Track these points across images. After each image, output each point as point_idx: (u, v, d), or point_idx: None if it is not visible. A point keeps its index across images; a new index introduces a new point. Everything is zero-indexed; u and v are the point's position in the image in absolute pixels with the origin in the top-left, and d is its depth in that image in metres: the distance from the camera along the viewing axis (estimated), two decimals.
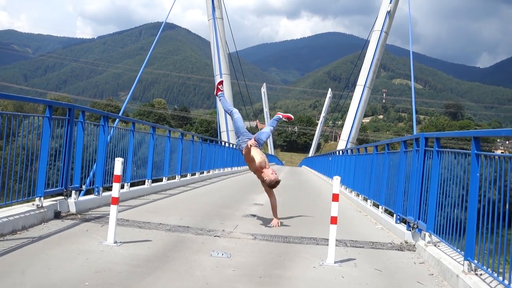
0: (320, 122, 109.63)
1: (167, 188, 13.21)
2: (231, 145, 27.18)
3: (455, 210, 5.99)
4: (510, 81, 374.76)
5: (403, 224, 8.61)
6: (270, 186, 8.62)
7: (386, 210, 10.20)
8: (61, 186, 7.48)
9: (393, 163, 9.61)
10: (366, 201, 12.02)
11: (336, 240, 7.35)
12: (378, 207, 10.65)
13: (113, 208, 6.06)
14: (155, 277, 4.86)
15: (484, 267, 4.84)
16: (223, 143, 26.18)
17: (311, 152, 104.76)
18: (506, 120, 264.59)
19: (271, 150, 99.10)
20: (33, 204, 6.78)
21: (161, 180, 13.14)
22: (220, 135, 45.46)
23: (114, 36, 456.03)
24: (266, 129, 9.29)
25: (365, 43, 48.15)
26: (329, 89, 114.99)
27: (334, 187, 6.16)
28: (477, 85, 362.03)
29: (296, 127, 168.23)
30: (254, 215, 9.84)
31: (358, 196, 13.45)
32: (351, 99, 63.86)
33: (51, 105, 6.95)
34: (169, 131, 14.01)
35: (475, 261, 5.05)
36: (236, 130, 9.17)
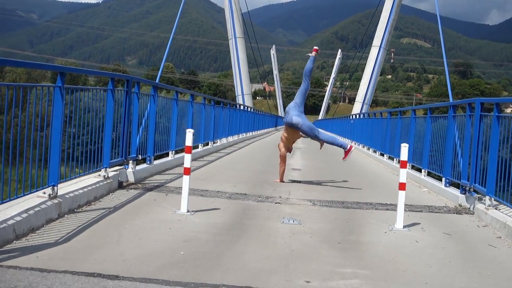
0: (330, 83, 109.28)
1: (203, 155, 13.37)
2: (248, 109, 27.28)
3: None
4: None
5: (453, 187, 8.75)
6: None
7: (429, 173, 10.35)
8: (121, 157, 7.63)
9: (439, 127, 9.69)
10: None
11: (391, 204, 7.56)
12: (420, 171, 10.77)
13: (185, 178, 6.23)
14: (241, 245, 5.03)
15: None
16: (243, 107, 26.21)
17: (321, 114, 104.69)
18: None
19: (281, 112, 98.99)
20: (99, 175, 6.94)
21: (196, 147, 13.27)
22: (237, 98, 45.50)
23: (119, 0, 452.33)
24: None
25: (379, 2, 47.65)
26: (339, 50, 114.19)
27: (402, 154, 6.29)
28: (486, 43, 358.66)
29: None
30: (299, 181, 10.02)
31: (393, 160, 13.57)
32: (359, 60, 63.63)
33: (113, 78, 7.06)
34: (204, 98, 14.12)
35: None
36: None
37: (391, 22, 42.85)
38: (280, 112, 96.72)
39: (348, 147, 9.72)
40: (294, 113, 9.46)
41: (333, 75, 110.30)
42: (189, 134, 6.26)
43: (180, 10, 24.32)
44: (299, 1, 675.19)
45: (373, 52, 43.89)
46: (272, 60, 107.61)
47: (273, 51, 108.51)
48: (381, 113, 16.80)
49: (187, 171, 6.23)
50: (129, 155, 7.94)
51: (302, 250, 4.98)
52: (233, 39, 44.13)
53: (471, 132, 7.69)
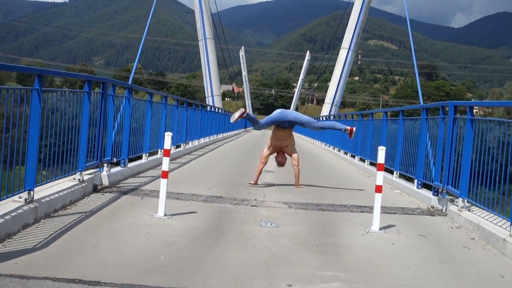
0: (298, 85, 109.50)
1: (175, 157, 13.31)
2: (218, 110, 27.24)
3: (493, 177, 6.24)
4: (483, 41, 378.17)
5: (425, 189, 8.88)
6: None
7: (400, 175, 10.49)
8: (96, 160, 7.56)
9: (411, 130, 9.83)
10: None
11: (366, 206, 7.65)
12: (391, 173, 10.89)
13: (163, 182, 6.21)
14: (221, 248, 5.03)
15: None
16: (214, 109, 26.16)
17: None
18: (480, 79, 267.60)
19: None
20: (75, 179, 6.87)
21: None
22: (206, 100, 45.40)
23: (87, 0, 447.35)
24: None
25: (347, 4, 48.09)
26: (308, 52, 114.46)
27: (379, 157, 6.36)
28: (451, 45, 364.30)
29: (273, 90, 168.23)
30: (272, 184, 10.03)
31: (364, 161, 13.71)
32: (327, 62, 64.02)
33: (89, 80, 6.99)
34: (177, 100, 14.08)
35: None
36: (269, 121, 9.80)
37: (359, 24, 43.24)
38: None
39: (349, 129, 9.75)
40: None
41: (301, 76, 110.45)
42: (168, 137, 6.25)
43: (152, 10, 24.13)
44: (268, 3, 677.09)
45: (342, 54, 44.22)
46: (241, 61, 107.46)
47: (242, 52, 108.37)
48: (352, 115, 16.93)
49: (165, 175, 6.21)
50: (103, 157, 7.87)
51: (282, 254, 5.00)
52: (203, 40, 44.08)
53: (444, 134, 7.81)
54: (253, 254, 4.94)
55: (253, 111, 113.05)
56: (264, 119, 9.74)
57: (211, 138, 21.69)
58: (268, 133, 40.14)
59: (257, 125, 9.73)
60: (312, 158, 17.10)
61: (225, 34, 50.32)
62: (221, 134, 25.55)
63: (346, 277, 4.43)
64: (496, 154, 6.12)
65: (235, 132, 34.49)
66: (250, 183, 9.55)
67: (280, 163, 9.96)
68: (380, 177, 6.31)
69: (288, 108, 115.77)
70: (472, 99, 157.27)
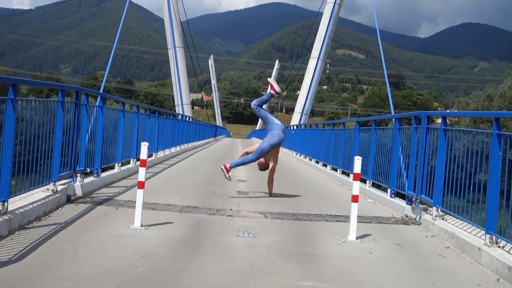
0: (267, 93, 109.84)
1: (148, 166, 13.18)
2: (189, 119, 27.15)
3: (466, 187, 6.34)
4: (449, 51, 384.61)
5: (398, 198, 8.97)
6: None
7: (373, 184, 10.58)
8: (70, 170, 7.46)
9: (383, 140, 9.93)
10: (349, 175, 12.36)
11: (341, 215, 7.70)
12: (364, 182, 10.97)
13: (139, 193, 6.15)
14: (200, 259, 5.01)
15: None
16: (184, 117, 26.05)
17: (259, 125, 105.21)
18: (446, 89, 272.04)
19: (219, 122, 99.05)
20: (48, 189, 6.77)
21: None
22: (176, 108, 45.21)
23: (53, 7, 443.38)
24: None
25: (317, 14, 48.47)
26: (277, 61, 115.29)
27: (355, 168, 6.41)
28: (417, 55, 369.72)
29: (242, 99, 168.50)
30: (246, 192, 10.03)
31: (336, 170, 13.78)
32: (296, 71, 64.42)
33: (63, 90, 6.91)
34: (148, 109, 13.99)
35: (497, 234, 5.39)
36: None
37: (328, 34, 43.58)
38: (219, 122, 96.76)
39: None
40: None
41: None
42: (144, 147, 6.20)
43: (123, 17, 23.91)
44: (236, 12, 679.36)
45: (311, 63, 44.47)
46: (210, 70, 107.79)
47: (211, 61, 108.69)
48: (323, 124, 17.03)
49: (141, 185, 6.16)
50: (77, 167, 7.77)
51: (261, 264, 5.00)
52: (173, 49, 43.94)
53: (417, 144, 7.91)
54: (232, 264, 4.93)
55: (222, 120, 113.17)
56: (264, 146, 9.53)
57: (182, 147, 21.60)
58: (236, 141, 40.21)
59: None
60: (284, 167, 17.09)
61: (194, 42, 50.21)
62: (191, 143, 25.46)
63: (326, 286, 4.45)
64: (469, 164, 6.21)
65: (206, 141, 34.42)
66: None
67: (264, 166, 9.96)
68: (357, 187, 6.36)
69: (257, 117, 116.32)
70: (439, 108, 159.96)
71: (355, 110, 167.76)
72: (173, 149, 18.57)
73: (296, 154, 22.60)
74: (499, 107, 39.06)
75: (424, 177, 7.50)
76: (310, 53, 45.73)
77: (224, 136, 62.94)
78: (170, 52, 44.92)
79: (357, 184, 6.34)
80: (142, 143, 6.23)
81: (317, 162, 16.96)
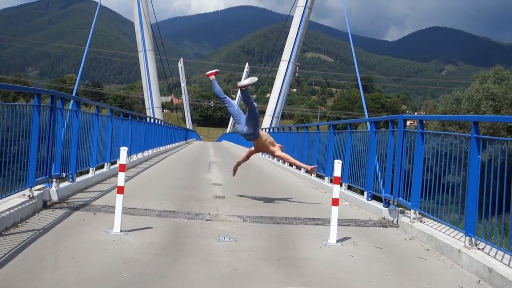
0: (237, 96, 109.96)
1: None
2: (160, 122, 26.93)
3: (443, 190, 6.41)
4: (416, 54, 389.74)
5: (375, 201, 9.03)
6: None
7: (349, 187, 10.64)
8: (45, 175, 7.35)
9: (359, 143, 9.99)
10: (323, 178, 12.40)
11: (319, 218, 7.72)
12: (340, 185, 11.02)
13: (119, 198, 6.08)
14: (183, 264, 4.97)
15: (489, 242, 5.26)
16: (156, 121, 25.84)
17: (229, 127, 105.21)
18: (414, 92, 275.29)
19: (189, 125, 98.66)
20: (24, 195, 6.65)
21: (114, 162, 12.97)
22: (147, 111, 44.88)
23: (20, 9, 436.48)
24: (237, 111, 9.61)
25: (287, 17, 48.68)
26: (246, 63, 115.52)
27: (335, 170, 6.43)
28: (385, 58, 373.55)
29: (212, 102, 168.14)
30: (223, 196, 9.98)
31: (311, 174, 13.82)
32: (266, 74, 64.71)
33: (39, 93, 6.80)
34: (122, 113, 13.85)
35: (476, 237, 5.47)
36: (236, 117, 9.54)
37: (299, 37, 43.77)
38: (189, 125, 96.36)
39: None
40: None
41: None
42: (123, 152, 6.14)
43: (94, 20, 23.65)
44: (206, 15, 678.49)
45: (282, 66, 44.60)
46: (180, 72, 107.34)
47: (180, 64, 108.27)
48: (297, 128, 17.08)
49: (121, 190, 6.09)
50: (52, 172, 7.65)
51: (244, 269, 4.98)
52: (143, 51, 43.65)
53: (393, 147, 7.97)
54: (216, 269, 4.90)
55: (192, 123, 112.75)
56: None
57: (155, 150, 21.45)
58: (207, 144, 40.16)
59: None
60: (256, 170, 17.12)
61: (163, 45, 49.97)
62: (163, 147, 25.30)
63: None
64: (446, 167, 6.29)
65: (177, 144, 34.25)
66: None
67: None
68: (337, 190, 6.37)
69: (227, 120, 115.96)
70: (407, 111, 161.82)
71: (325, 113, 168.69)
72: (145, 153, 18.42)
73: (269, 157, 22.60)
74: (467, 110, 39.55)
75: (401, 180, 7.56)
76: (280, 56, 45.88)
77: (194, 139, 62.71)
78: (141, 55, 44.62)
79: (337, 188, 6.37)
80: (122, 148, 6.18)
81: (291, 165, 16.97)
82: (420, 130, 7.05)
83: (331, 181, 11.89)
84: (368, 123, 9.46)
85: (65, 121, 8.84)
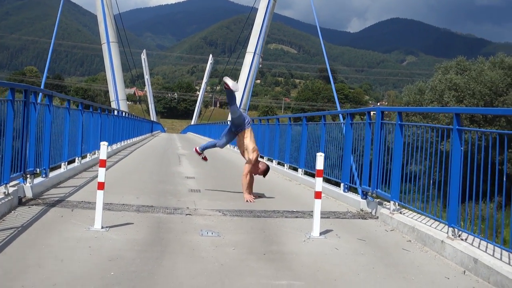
0: (202, 88, 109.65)
1: (92, 164, 12.88)
2: (126, 114, 26.61)
3: (421, 181, 6.46)
4: (378, 45, 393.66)
5: (351, 192, 9.08)
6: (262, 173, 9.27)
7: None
8: (20, 171, 7.18)
9: (334, 135, 10.02)
10: (297, 170, 12.41)
11: (298, 211, 7.72)
12: (313, 176, 11.03)
13: (99, 194, 6.00)
14: (169, 260, 4.90)
15: (473, 232, 5.32)
16: (124, 113, 25.52)
17: (194, 119, 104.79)
18: (376, 82, 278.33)
19: (153, 116, 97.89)
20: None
21: (85, 157, 12.77)
22: (113, 104, 44.34)
23: None
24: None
25: (251, 9, 48.62)
26: (210, 55, 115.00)
27: (318, 163, 6.41)
28: (348, 49, 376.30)
29: (175, 94, 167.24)
30: (198, 190, 9.92)
31: (283, 165, 13.83)
32: (231, 65, 64.70)
33: (13, 88, 6.62)
34: (91, 106, 13.63)
35: (460, 227, 5.53)
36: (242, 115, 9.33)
37: (264, 29, 43.73)
38: (153, 117, 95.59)
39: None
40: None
41: (204, 79, 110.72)
42: (103, 147, 6.04)
43: (59, 12, 23.17)
44: (167, 6, 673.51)
45: (248, 58, 44.49)
46: (143, 64, 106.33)
47: (143, 56, 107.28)
48: (267, 120, 17.06)
49: (101, 186, 6.00)
50: (27, 168, 7.48)
51: (231, 264, 4.94)
52: (107, 43, 43.03)
53: (371, 139, 8.01)
54: (203, 265, 4.84)
55: (156, 115, 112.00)
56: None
57: (123, 143, 21.22)
58: (172, 136, 39.85)
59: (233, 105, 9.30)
60: (228, 164, 17.05)
61: (122, 37, 49.29)
62: (131, 140, 25.05)
63: (301, 285, 4.43)
64: (427, 158, 6.33)
65: (143, 136, 33.97)
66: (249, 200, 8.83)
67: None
68: (320, 183, 6.37)
69: (192, 112, 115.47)
70: (369, 102, 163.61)
71: (289, 104, 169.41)
72: (114, 146, 18.20)
73: (236, 148, 22.55)
74: (430, 100, 40.10)
75: (380, 172, 7.60)
76: (244, 48, 45.79)
77: (159, 131, 62.33)
78: (104, 47, 44.00)
79: (320, 181, 6.36)
80: (102, 143, 6.07)
81: (261, 157, 16.93)
82: (399, 122, 7.10)
83: (305, 173, 11.93)
84: (340, 115, 9.50)
85: (35, 115, 8.66)
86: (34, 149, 7.87)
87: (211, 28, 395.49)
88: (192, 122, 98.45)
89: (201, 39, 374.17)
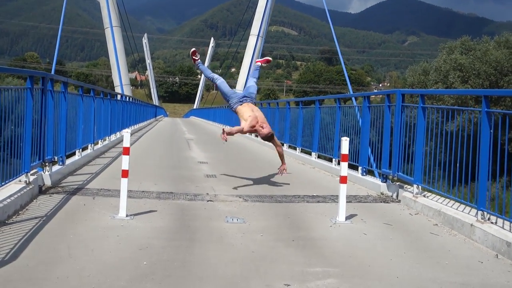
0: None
1: (104, 151, 12.83)
2: (133, 100, 26.51)
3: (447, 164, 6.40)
4: (379, 26, 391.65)
5: (370, 176, 9.02)
6: (264, 138, 8.52)
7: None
8: (39, 159, 7.12)
9: (350, 118, 9.95)
10: (310, 154, 12.34)
11: (319, 196, 7.67)
12: (331, 161, 10.98)
13: (123, 182, 5.95)
14: (200, 249, 4.86)
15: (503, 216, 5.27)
16: (128, 98, 25.42)
17: (196, 103, 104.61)
18: (377, 63, 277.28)
19: (155, 101, 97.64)
20: (20, 181, 6.42)
21: (97, 143, 12.70)
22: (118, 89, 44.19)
23: None
24: (251, 83, 9.22)
25: None
26: (212, 38, 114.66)
27: (343, 147, 6.34)
28: (349, 31, 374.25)
29: (177, 78, 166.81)
30: (213, 175, 9.86)
31: (295, 149, 13.76)
32: (234, 48, 64.37)
33: (32, 76, 6.54)
34: (102, 92, 13.53)
35: (490, 211, 5.47)
36: (224, 95, 8.97)
37: (268, 11, 43.46)
38: (155, 102, 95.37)
39: (260, 63, 9.71)
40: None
41: (206, 63, 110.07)
42: (127, 134, 5.98)
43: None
44: None
45: (251, 40, 44.26)
46: (144, 48, 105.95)
47: (145, 40, 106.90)
48: (277, 103, 16.98)
49: (125, 174, 5.94)
50: (45, 156, 7.42)
51: (262, 251, 4.89)
52: (110, 28, 42.79)
53: (391, 122, 7.93)
54: (234, 253, 4.80)
55: (158, 99, 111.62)
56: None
57: (132, 128, 21.15)
58: (176, 121, 39.65)
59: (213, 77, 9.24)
60: (237, 147, 16.93)
61: (125, 21, 49.02)
62: (137, 125, 24.99)
63: (337, 272, 4.39)
64: (453, 142, 6.25)
65: (148, 121, 33.91)
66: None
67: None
68: (345, 168, 6.31)
69: (194, 96, 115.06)
70: (371, 83, 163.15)
71: (290, 86, 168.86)
72: (123, 132, 18.12)
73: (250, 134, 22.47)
74: (435, 81, 39.86)
75: (401, 155, 7.54)
76: (245, 31, 45.57)
77: (162, 116, 62.17)
78: (107, 32, 43.77)
79: (345, 165, 6.30)
80: (125, 130, 6.00)
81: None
82: (421, 105, 7.02)
83: (318, 157, 11.87)
84: (353, 98, 9.40)
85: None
86: (52, 136, 7.81)
87: (211, 11, 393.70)
88: (195, 106, 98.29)
89: (201, 22, 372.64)
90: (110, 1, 43.11)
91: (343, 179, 6.25)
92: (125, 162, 6.00)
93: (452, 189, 6.27)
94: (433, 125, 6.79)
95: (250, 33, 44.70)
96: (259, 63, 9.63)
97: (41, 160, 7.16)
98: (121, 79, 43.20)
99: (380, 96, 14.46)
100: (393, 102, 7.93)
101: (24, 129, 6.44)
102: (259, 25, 43.45)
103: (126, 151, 6.01)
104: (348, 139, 6.41)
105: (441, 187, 6.53)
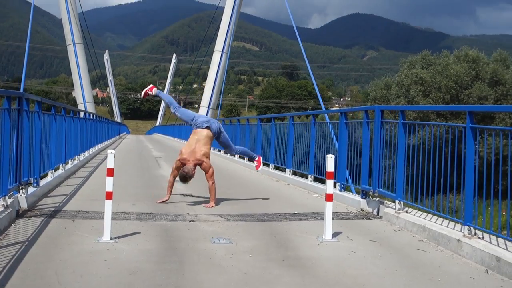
0: (166, 88, 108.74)
1: (74, 171, 12.62)
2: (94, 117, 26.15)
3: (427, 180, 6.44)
4: (339, 41, 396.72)
5: (347, 192, 9.04)
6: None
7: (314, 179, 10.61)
8: (16, 182, 6.93)
9: (325, 135, 9.98)
10: (284, 171, 12.33)
11: (300, 213, 7.65)
12: (306, 177, 10.98)
13: (107, 204, 5.81)
14: (191, 272, 4.77)
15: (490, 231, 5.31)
16: (96, 116, 25.07)
17: (159, 120, 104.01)
18: (338, 78, 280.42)
19: (118, 118, 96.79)
20: None
21: (67, 163, 12.47)
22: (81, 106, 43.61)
23: None
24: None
25: (217, 8, 48.40)
26: (174, 54, 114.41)
27: (328, 165, 6.33)
28: (309, 46, 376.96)
29: (138, 94, 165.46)
30: (190, 194, 9.74)
31: (268, 166, 13.72)
32: (197, 64, 64.35)
33: (9, 96, 6.38)
34: (72, 111, 13.31)
35: (477, 226, 5.52)
36: (188, 119, 8.99)
37: (231, 27, 43.55)
38: (117, 119, 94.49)
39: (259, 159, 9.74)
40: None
41: (168, 79, 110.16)
42: (111, 155, 5.84)
43: (31, 17, 22.63)
44: (127, 6, 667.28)
45: (216, 56, 44.30)
46: (106, 65, 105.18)
47: (106, 56, 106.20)
48: (247, 119, 16.95)
49: (110, 196, 5.80)
50: (21, 178, 7.23)
51: (255, 272, 4.83)
52: (73, 45, 42.27)
53: (370, 138, 7.97)
54: (227, 275, 4.72)
55: (120, 116, 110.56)
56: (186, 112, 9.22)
57: (97, 147, 20.87)
58: (140, 138, 39.30)
59: (174, 107, 9.23)
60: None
61: (86, 37, 48.51)
62: (103, 143, 24.68)
63: None
64: (436, 157, 6.30)
65: (113, 139, 33.53)
66: (163, 201, 8.50)
67: (188, 175, 8.41)
68: (330, 185, 6.29)
69: (156, 112, 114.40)
70: (332, 97, 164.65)
71: (253, 102, 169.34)
72: (91, 151, 17.87)
73: (214, 149, 22.38)
74: (397, 95, 40.39)
75: (381, 171, 7.57)
76: (207, 47, 45.61)
77: (125, 133, 61.64)
78: (70, 49, 43.23)
79: (330, 183, 6.27)
80: (109, 151, 5.87)
81: (242, 157, 16.80)
82: (402, 121, 7.07)
83: (293, 173, 11.86)
84: (326, 115, 9.47)
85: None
86: (27, 158, 7.62)
87: (172, 26, 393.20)
88: (157, 123, 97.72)
89: (162, 38, 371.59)
90: (72, 17, 42.65)
91: (329, 197, 6.23)
92: (109, 184, 5.88)
93: (436, 205, 6.31)
94: (415, 140, 6.83)
95: (215, 49, 44.74)
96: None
97: (17, 183, 6.97)
98: (84, 97, 42.70)
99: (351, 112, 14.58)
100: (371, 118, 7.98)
101: (1, 151, 6.26)
102: (223, 41, 43.53)
103: (110, 172, 5.89)
104: (333, 156, 6.40)
105: (424, 202, 6.56)
